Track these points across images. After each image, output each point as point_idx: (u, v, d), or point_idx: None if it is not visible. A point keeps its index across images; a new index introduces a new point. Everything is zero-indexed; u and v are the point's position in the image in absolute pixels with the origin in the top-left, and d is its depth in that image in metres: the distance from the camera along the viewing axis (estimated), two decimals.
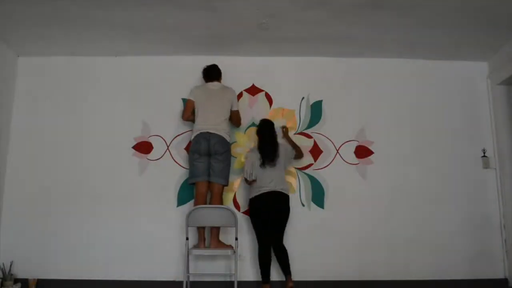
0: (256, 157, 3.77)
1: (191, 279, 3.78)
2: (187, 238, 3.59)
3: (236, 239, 3.59)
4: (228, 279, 3.84)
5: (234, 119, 3.95)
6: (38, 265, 3.86)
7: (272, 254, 3.66)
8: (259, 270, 3.70)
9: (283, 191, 3.70)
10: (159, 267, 3.88)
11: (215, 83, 3.94)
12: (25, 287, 3.76)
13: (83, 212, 3.98)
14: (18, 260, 3.85)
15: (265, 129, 3.89)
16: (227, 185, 3.82)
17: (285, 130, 4.11)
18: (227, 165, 3.79)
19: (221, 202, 3.75)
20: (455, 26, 3.71)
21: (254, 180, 3.72)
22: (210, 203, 3.74)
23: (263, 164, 3.71)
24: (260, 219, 3.69)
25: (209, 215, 3.57)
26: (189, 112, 3.89)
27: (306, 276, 3.75)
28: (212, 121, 3.76)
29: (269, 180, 3.67)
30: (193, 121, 3.90)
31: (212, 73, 3.96)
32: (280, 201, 3.68)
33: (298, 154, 4.01)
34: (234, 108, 3.92)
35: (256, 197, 3.68)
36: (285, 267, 3.59)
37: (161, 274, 3.87)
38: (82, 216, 3.97)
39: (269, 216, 3.65)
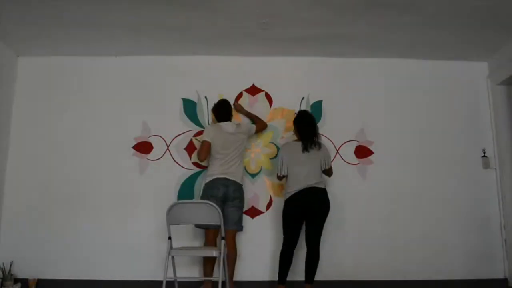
0: (295, 148, 3.65)
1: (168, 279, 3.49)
2: (169, 238, 3.31)
3: (223, 238, 3.33)
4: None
5: (259, 131, 4.02)
6: (38, 265, 3.87)
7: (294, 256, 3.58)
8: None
9: (319, 185, 3.56)
10: (159, 267, 3.86)
11: (228, 122, 3.83)
12: (25, 287, 3.76)
13: (83, 212, 3.99)
14: (18, 260, 3.85)
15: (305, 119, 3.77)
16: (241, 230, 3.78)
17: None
18: (242, 211, 3.79)
19: (235, 246, 3.67)
20: (455, 26, 3.71)
21: (285, 176, 3.65)
22: (228, 251, 3.54)
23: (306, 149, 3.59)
24: (292, 219, 3.56)
25: (192, 212, 3.30)
26: (206, 154, 3.74)
27: None
28: (230, 167, 3.68)
29: (303, 176, 3.54)
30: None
31: (223, 114, 3.88)
32: (317, 197, 3.54)
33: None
34: (254, 131, 3.95)
35: (291, 196, 3.55)
36: (310, 275, 3.53)
37: (161, 274, 3.84)
38: (82, 216, 3.98)
39: (303, 215, 3.53)
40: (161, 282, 3.48)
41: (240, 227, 3.70)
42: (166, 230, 3.99)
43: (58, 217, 3.97)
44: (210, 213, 3.23)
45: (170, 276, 3.41)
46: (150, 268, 3.88)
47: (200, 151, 3.77)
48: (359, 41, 3.99)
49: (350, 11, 3.46)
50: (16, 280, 3.78)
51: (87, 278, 3.85)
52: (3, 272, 3.72)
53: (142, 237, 3.95)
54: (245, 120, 4.13)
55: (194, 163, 4.10)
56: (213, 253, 3.34)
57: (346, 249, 3.98)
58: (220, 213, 3.23)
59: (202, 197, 3.66)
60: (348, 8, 3.42)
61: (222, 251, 3.30)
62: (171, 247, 3.33)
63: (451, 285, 3.91)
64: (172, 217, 3.29)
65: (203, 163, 3.92)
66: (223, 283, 3.32)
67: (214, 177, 3.64)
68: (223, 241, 3.34)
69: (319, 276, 3.84)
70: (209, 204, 3.25)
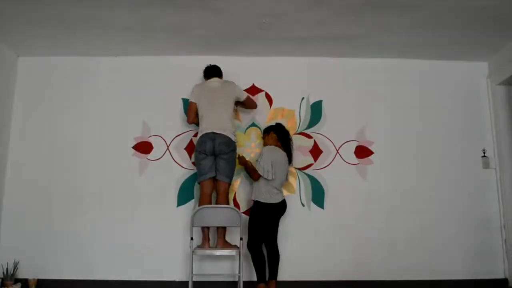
0: (279, 156, 3.75)
1: (195, 279, 3.71)
2: (191, 238, 3.55)
3: (241, 239, 3.58)
4: (232, 279, 3.85)
5: (248, 105, 4.00)
6: (38, 265, 3.87)
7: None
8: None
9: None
10: (159, 267, 3.89)
11: (215, 79, 3.91)
12: (25, 287, 3.76)
13: (83, 212, 3.99)
14: (18, 260, 3.84)
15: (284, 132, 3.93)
16: (230, 183, 3.80)
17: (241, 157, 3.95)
18: (233, 164, 3.76)
19: (227, 200, 3.74)
20: (455, 26, 3.71)
21: (273, 179, 3.67)
22: (216, 202, 3.73)
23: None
24: (266, 223, 3.66)
25: (215, 215, 3.55)
26: (193, 115, 3.86)
27: (306, 277, 3.75)
28: (216, 120, 3.73)
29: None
30: (197, 123, 3.88)
31: (212, 71, 3.94)
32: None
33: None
34: (243, 98, 3.91)
35: (273, 204, 3.65)
36: (274, 271, 3.59)
37: (161, 274, 3.87)
38: (82, 216, 3.98)
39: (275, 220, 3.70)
40: (161, 282, 3.51)
41: (228, 179, 3.73)
42: (166, 230, 4.02)
43: (58, 217, 3.97)
44: (232, 216, 3.53)
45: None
46: (149, 268, 3.88)
47: (188, 114, 3.88)
48: (359, 41, 3.99)
49: (350, 11, 3.46)
50: (17, 280, 3.77)
51: (87, 278, 3.85)
52: (3, 272, 3.72)
53: (142, 237, 3.94)
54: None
55: (194, 163, 4.09)
56: (233, 252, 3.60)
57: (345, 249, 3.97)
58: (241, 215, 3.53)
59: (195, 155, 3.79)
60: (348, 8, 3.42)
61: (240, 250, 3.52)
62: (192, 247, 3.55)
63: (451, 285, 3.91)
64: (197, 219, 3.53)
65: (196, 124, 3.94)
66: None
67: (203, 132, 3.72)
68: (241, 241, 3.55)
69: (318, 276, 3.86)
70: (231, 208, 3.56)
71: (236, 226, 3.60)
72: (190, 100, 3.87)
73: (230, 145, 3.71)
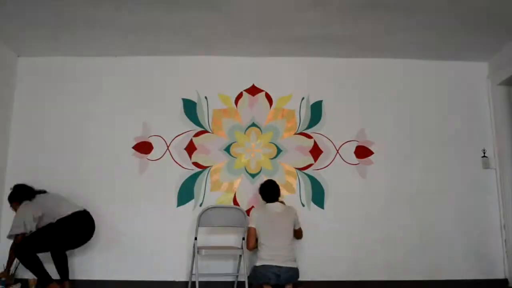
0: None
1: (194, 279, 3.73)
2: (195, 238, 3.60)
3: (243, 238, 3.61)
4: (232, 279, 3.85)
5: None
6: None
7: None
8: None
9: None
10: (159, 268, 3.89)
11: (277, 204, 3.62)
12: (25, 287, 3.76)
13: None
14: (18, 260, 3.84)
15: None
16: None
17: None
18: None
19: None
20: (455, 27, 3.71)
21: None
22: None
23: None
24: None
25: (221, 215, 3.63)
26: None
27: (306, 276, 3.74)
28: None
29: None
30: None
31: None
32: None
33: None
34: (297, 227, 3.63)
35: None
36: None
37: (161, 274, 3.87)
38: None
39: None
40: (161, 282, 3.50)
41: None
42: (166, 231, 4.00)
43: None
44: (238, 217, 3.66)
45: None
46: (149, 268, 3.88)
47: None
48: (359, 41, 3.99)
49: (350, 11, 3.46)
50: (17, 280, 3.77)
51: (87, 278, 3.85)
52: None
53: (141, 237, 3.94)
54: None
55: (194, 163, 4.10)
56: (239, 252, 3.70)
57: (345, 249, 3.98)
58: (246, 216, 3.62)
59: None
60: (348, 9, 3.42)
61: (243, 250, 3.58)
62: (197, 247, 3.60)
63: (451, 285, 3.91)
64: (204, 220, 3.59)
65: None
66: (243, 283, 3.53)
67: None
68: (243, 241, 3.60)
69: (318, 276, 3.86)
70: (237, 209, 3.70)
71: (240, 227, 3.68)
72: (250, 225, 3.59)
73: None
